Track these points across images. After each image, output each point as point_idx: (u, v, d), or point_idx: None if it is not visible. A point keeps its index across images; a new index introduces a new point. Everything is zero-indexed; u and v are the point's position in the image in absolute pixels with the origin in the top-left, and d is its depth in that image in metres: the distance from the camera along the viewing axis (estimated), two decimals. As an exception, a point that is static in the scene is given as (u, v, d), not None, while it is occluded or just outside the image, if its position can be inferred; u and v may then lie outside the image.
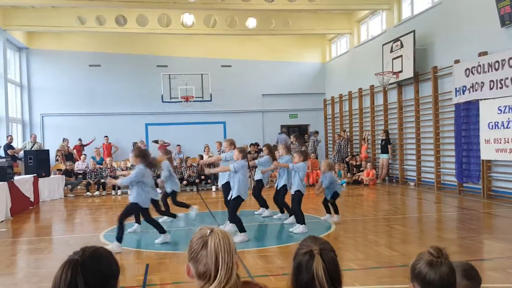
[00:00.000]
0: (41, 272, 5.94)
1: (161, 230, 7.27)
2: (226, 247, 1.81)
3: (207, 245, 1.82)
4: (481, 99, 11.17)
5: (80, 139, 17.97)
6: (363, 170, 15.70)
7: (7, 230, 9.02)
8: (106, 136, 18.25)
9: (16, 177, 11.23)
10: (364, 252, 6.43)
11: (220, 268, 1.78)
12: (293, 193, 7.99)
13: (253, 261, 5.96)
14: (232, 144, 8.66)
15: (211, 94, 18.81)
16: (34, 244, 7.78)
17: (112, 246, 6.45)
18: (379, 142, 16.34)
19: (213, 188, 15.14)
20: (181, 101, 18.70)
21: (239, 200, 7.31)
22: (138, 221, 8.29)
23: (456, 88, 12.01)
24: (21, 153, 15.29)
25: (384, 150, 15.64)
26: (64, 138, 17.56)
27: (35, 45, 19.01)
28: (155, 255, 6.60)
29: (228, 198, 7.70)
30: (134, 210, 7.30)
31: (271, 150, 9.70)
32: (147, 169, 7.08)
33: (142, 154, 7.18)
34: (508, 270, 5.35)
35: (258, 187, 9.56)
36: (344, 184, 15.17)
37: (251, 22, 17.94)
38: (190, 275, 1.88)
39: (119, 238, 6.78)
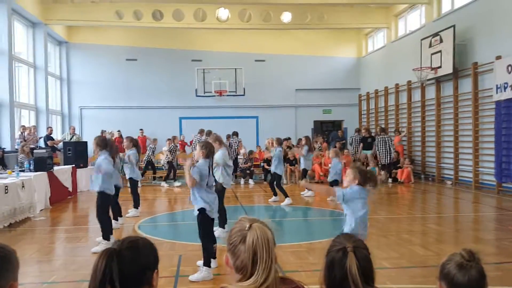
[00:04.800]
0: (78, 260, 6.13)
1: (106, 236, 6.62)
2: (264, 244, 1.79)
3: (245, 241, 1.81)
4: (523, 97, 10.77)
5: (119, 131, 18.22)
6: (400, 167, 15.28)
7: (46, 218, 9.34)
8: (141, 129, 18.59)
9: (55, 168, 11.59)
10: (397, 251, 6.32)
11: (258, 265, 1.76)
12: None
13: (285, 257, 5.96)
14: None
15: (244, 89, 18.85)
16: (71, 232, 8.03)
17: (99, 247, 6.37)
18: (415, 140, 15.99)
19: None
20: (214, 95, 18.82)
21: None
22: (115, 218, 8.19)
23: (497, 85, 11.61)
24: (60, 144, 15.80)
25: (369, 147, 15.83)
26: (107, 131, 17.71)
27: (74, 39, 19.55)
28: (189, 246, 6.68)
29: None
30: (105, 199, 6.80)
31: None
32: (108, 158, 6.77)
33: (103, 142, 6.84)
34: (548, 274, 5.14)
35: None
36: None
37: (286, 16, 17.86)
38: (228, 265, 1.89)
39: (106, 236, 6.57)
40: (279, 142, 11.49)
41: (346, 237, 2.01)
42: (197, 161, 5.54)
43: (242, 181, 15.54)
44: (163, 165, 16.93)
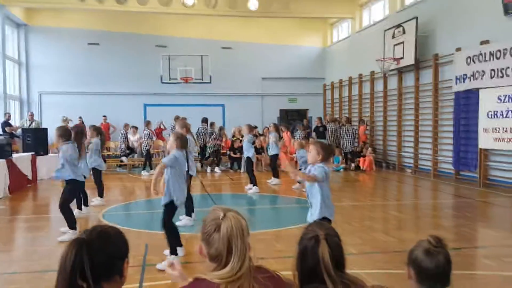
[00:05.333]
0: (40, 250, 5.98)
1: (71, 225, 6.53)
2: (239, 233, 1.81)
3: (220, 229, 1.82)
4: (481, 88, 11.16)
5: (80, 117, 17.74)
6: (363, 156, 15.63)
7: (5, 207, 9.05)
8: (104, 116, 18.19)
9: (14, 155, 11.21)
10: (361, 237, 6.48)
11: (233, 254, 1.79)
12: None
13: (253, 244, 6.01)
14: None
15: (210, 76, 18.69)
16: (32, 222, 7.82)
17: (66, 237, 6.30)
18: (377, 129, 16.39)
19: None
20: (180, 82, 18.58)
21: None
22: (79, 207, 8.05)
23: (456, 76, 11.99)
24: (19, 131, 15.26)
25: (321, 136, 16.35)
26: (64, 117, 17.25)
27: (34, 22, 18.80)
28: (155, 235, 6.62)
29: None
30: (75, 188, 6.72)
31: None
32: (72, 146, 6.64)
33: (66, 133, 6.69)
34: (503, 258, 5.42)
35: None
36: (341, 170, 15.25)
37: (253, 4, 17.74)
38: (202, 254, 1.90)
39: (72, 226, 6.48)
40: (250, 128, 11.69)
41: (318, 225, 2.06)
42: (168, 152, 5.54)
43: (208, 169, 15.48)
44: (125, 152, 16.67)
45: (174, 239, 5.38)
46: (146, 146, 15.30)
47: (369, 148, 15.74)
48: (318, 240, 1.95)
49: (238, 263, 1.79)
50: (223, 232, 1.82)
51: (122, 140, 16.21)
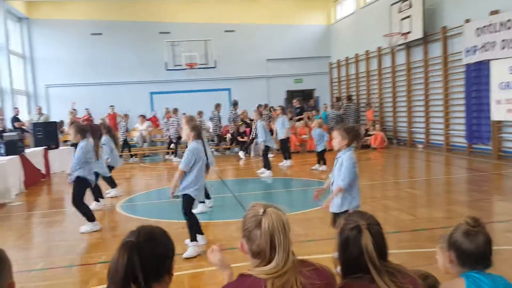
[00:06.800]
0: (63, 244, 6.03)
1: (90, 219, 6.50)
2: (280, 228, 1.80)
3: (261, 226, 1.81)
4: (492, 59, 11.00)
5: (87, 109, 17.76)
6: (370, 135, 15.63)
7: (22, 203, 9.12)
8: (111, 106, 18.18)
9: (27, 150, 11.25)
10: (381, 217, 6.42)
11: (277, 250, 1.78)
12: None
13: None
14: None
15: (215, 61, 18.57)
16: (51, 216, 7.87)
17: (85, 228, 6.36)
18: (386, 106, 16.29)
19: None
20: (185, 69, 18.45)
21: None
22: (96, 199, 8.08)
23: (466, 48, 11.82)
24: (28, 126, 15.28)
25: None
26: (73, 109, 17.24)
27: (35, 15, 18.71)
28: (174, 224, 6.64)
29: None
30: (82, 185, 6.56)
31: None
32: (90, 144, 6.63)
33: (83, 129, 6.64)
34: (526, 231, 5.39)
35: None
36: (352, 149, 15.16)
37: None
38: (244, 251, 1.90)
39: (90, 218, 6.46)
40: (260, 114, 11.79)
41: (359, 214, 2.04)
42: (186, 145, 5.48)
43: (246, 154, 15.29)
44: (136, 142, 16.72)
45: (195, 227, 5.40)
46: (175, 133, 15.32)
47: (377, 126, 15.64)
48: (360, 230, 1.94)
49: (283, 258, 1.78)
50: (264, 228, 1.81)
51: (122, 132, 15.95)
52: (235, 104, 16.43)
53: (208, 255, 2.15)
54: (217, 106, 16.44)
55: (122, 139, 15.32)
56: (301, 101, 17.95)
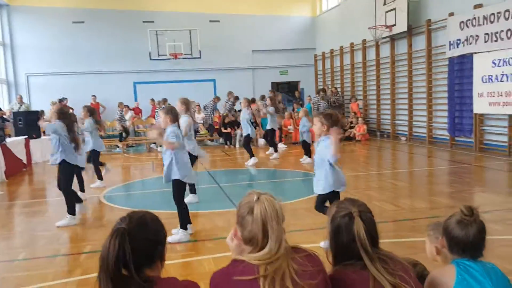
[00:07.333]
0: (45, 234, 5.93)
1: (72, 210, 6.36)
2: (273, 214, 1.81)
3: (253, 212, 1.81)
4: (475, 53, 11.14)
5: (65, 99, 17.39)
6: (353, 127, 15.72)
7: (3, 193, 8.95)
8: (93, 96, 17.91)
9: (7, 139, 11.04)
10: (365, 207, 6.51)
11: (270, 236, 1.78)
12: None
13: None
14: None
15: (200, 51, 18.42)
16: (32, 206, 7.73)
17: (62, 222, 6.23)
18: (370, 98, 16.39)
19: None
20: (169, 59, 18.27)
21: None
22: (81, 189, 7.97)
23: (450, 42, 11.94)
24: (9, 115, 14.99)
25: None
26: (61, 98, 16.89)
27: (15, 2, 18.27)
28: (161, 214, 6.59)
29: None
30: (68, 168, 6.43)
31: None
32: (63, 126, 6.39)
33: (61, 111, 6.52)
34: (508, 222, 5.49)
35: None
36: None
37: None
38: (237, 237, 1.89)
39: (72, 210, 6.32)
40: (248, 102, 11.80)
41: (350, 201, 2.04)
42: (165, 129, 5.40)
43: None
44: (119, 132, 16.54)
45: (185, 216, 5.39)
46: (208, 120, 15.81)
47: (359, 119, 15.71)
48: (352, 217, 1.94)
49: (275, 244, 1.78)
50: (256, 214, 1.82)
51: (118, 120, 16.03)
52: (230, 94, 16.34)
53: (228, 242, 2.12)
54: (229, 94, 16.43)
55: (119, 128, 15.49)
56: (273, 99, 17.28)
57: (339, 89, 18.07)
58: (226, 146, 15.47)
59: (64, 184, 6.42)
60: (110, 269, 1.56)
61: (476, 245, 2.10)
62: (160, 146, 15.05)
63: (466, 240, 2.09)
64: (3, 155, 10.22)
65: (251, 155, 11.01)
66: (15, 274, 4.58)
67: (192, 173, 5.54)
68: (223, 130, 15.79)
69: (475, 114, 11.33)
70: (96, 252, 5.05)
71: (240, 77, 20.15)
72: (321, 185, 4.68)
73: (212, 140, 16.43)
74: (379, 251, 1.96)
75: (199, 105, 16.54)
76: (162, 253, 1.71)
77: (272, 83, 20.94)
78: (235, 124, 15.34)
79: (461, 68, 11.74)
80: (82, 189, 8.04)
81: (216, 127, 16.46)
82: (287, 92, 21.88)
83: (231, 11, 19.84)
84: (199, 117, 16.08)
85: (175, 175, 5.23)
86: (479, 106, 11.15)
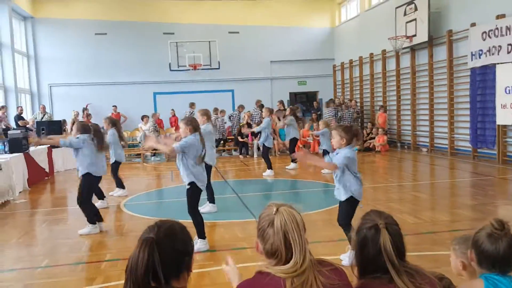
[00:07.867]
0: (68, 242, 6.00)
1: (91, 220, 6.39)
2: (293, 226, 1.78)
3: (273, 224, 1.80)
4: (498, 63, 10.98)
5: (89, 104, 17.67)
6: (373, 138, 15.60)
7: (26, 201, 9.11)
8: (114, 106, 18.17)
9: (31, 148, 11.24)
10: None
11: (293, 248, 1.76)
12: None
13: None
14: None
15: (219, 62, 18.57)
16: (54, 214, 7.84)
17: (84, 230, 6.29)
18: (390, 108, 16.24)
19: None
20: (189, 69, 18.47)
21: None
22: (101, 197, 8.02)
23: (472, 52, 11.80)
24: (32, 124, 15.28)
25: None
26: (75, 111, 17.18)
27: (40, 14, 18.72)
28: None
29: None
30: (90, 182, 6.48)
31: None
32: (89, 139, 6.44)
33: (83, 128, 6.52)
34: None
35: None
36: (356, 151, 15.12)
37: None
38: (259, 250, 1.87)
39: (91, 219, 6.37)
40: (270, 111, 11.82)
41: (376, 213, 2.02)
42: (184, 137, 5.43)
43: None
44: (139, 142, 16.70)
45: (201, 225, 5.39)
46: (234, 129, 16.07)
47: (380, 129, 15.55)
48: (378, 229, 1.91)
49: (300, 256, 1.76)
50: (277, 226, 1.79)
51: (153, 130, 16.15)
52: (191, 105, 16.38)
53: (224, 268, 2.14)
54: (257, 103, 16.62)
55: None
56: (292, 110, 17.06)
57: (358, 99, 17.97)
58: (241, 156, 15.48)
59: (84, 196, 6.40)
60: (139, 280, 1.55)
61: (506, 260, 2.05)
62: (153, 155, 15.37)
63: (496, 254, 2.04)
64: (26, 163, 10.41)
65: (269, 167, 10.96)
66: (39, 281, 4.64)
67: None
68: (240, 139, 15.83)
69: (498, 125, 11.13)
70: (116, 260, 5.10)
71: (258, 87, 20.20)
72: (342, 194, 4.73)
73: (230, 150, 16.47)
74: (406, 265, 1.92)
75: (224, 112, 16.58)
76: (189, 264, 1.69)
77: (290, 93, 20.95)
78: (253, 134, 15.37)
79: (483, 79, 11.57)
80: (101, 197, 8.12)
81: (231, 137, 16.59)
82: (304, 102, 21.81)
83: (250, 22, 19.97)
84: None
85: (190, 178, 5.29)
86: (503, 117, 10.95)
